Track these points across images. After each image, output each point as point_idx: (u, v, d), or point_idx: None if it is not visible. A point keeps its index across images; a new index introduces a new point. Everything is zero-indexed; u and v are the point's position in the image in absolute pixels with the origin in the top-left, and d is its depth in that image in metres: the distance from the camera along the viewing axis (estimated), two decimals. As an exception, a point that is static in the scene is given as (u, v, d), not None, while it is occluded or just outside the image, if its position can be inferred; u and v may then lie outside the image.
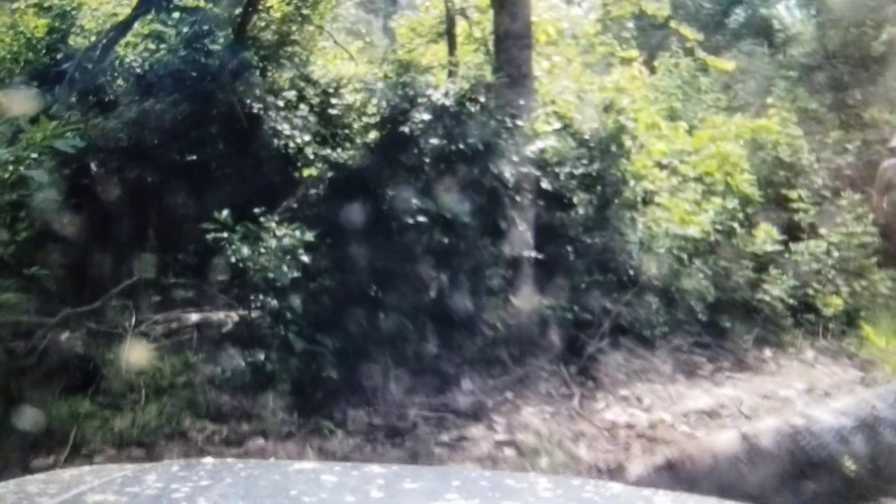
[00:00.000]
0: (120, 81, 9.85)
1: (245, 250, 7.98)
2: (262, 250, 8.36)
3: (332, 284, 8.71)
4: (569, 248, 9.78)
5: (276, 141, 9.52)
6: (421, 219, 8.74)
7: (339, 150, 9.72)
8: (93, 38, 10.30)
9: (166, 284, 8.86)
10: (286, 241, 8.43)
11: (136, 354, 7.39)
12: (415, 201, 8.85)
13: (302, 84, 10.02)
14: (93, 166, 9.10)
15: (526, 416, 8.08)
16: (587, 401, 8.45)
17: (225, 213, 8.11)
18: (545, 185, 9.56)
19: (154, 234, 9.10)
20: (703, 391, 9.06)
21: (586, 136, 10.28)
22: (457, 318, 8.80)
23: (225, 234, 8.03)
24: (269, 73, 10.19)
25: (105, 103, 9.58)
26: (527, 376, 8.90)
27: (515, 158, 9.04)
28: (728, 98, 17.17)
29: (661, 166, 11.41)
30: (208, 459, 3.12)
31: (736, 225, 11.12)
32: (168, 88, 9.46)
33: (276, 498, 2.18)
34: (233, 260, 8.20)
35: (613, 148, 10.20)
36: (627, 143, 10.29)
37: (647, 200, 10.80)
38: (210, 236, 8.02)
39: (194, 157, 9.24)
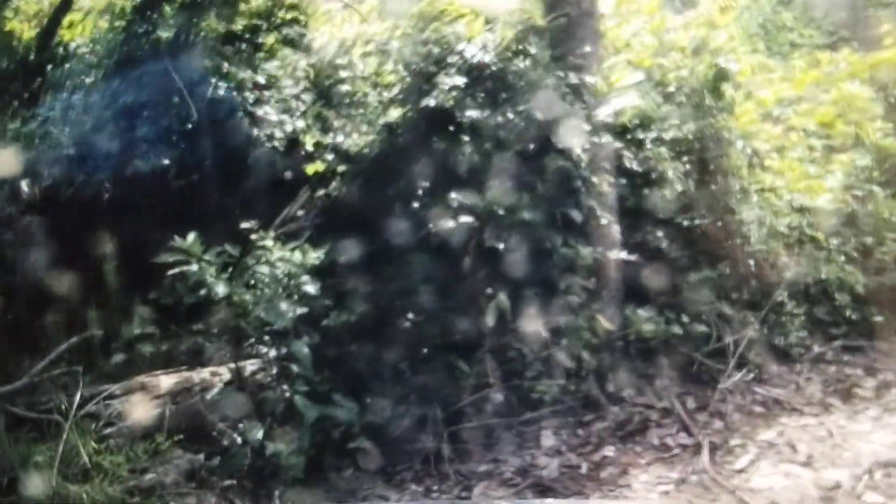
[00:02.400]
0: (59, 71, 7.70)
1: (221, 287, 5.82)
2: (253, 283, 6.21)
3: (350, 319, 6.52)
4: (662, 238, 7.44)
5: (258, 133, 7.31)
6: (465, 219, 6.52)
7: (352, 136, 7.48)
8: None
9: (130, 337, 6.73)
10: (282, 266, 6.26)
11: (75, 455, 5.27)
12: (455, 196, 6.63)
13: (292, 54, 7.78)
14: (23, 186, 6.99)
15: (639, 486, 5.81)
16: (721, 454, 6.13)
17: (191, 236, 5.95)
18: (628, 158, 7.21)
19: (112, 271, 6.96)
20: (872, 422, 6.70)
21: (673, 89, 7.90)
22: (526, 349, 6.54)
23: (194, 267, 5.88)
24: (257, 45, 7.94)
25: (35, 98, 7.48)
26: (629, 421, 6.64)
27: (586, 126, 6.74)
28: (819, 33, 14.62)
29: (766, 119, 9.01)
30: None
31: (875, 188, 8.65)
32: (114, 74, 7.30)
33: None
34: (214, 298, 6.06)
35: (710, 100, 7.81)
36: (728, 92, 7.88)
37: (754, 164, 8.38)
38: (174, 271, 5.89)
39: (156, 165, 7.07)
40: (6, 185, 7.03)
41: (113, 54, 7.43)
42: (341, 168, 7.47)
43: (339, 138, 7.61)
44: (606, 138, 6.88)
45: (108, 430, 5.80)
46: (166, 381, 6.34)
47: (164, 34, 7.25)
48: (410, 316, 6.68)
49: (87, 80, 7.89)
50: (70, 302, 6.81)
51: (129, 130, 7.31)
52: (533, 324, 6.50)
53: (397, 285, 6.74)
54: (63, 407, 5.73)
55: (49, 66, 8.19)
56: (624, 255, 6.92)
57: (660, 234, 7.39)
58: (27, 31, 8.22)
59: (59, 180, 7.16)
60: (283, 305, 6.22)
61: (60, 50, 8.17)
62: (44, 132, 7.17)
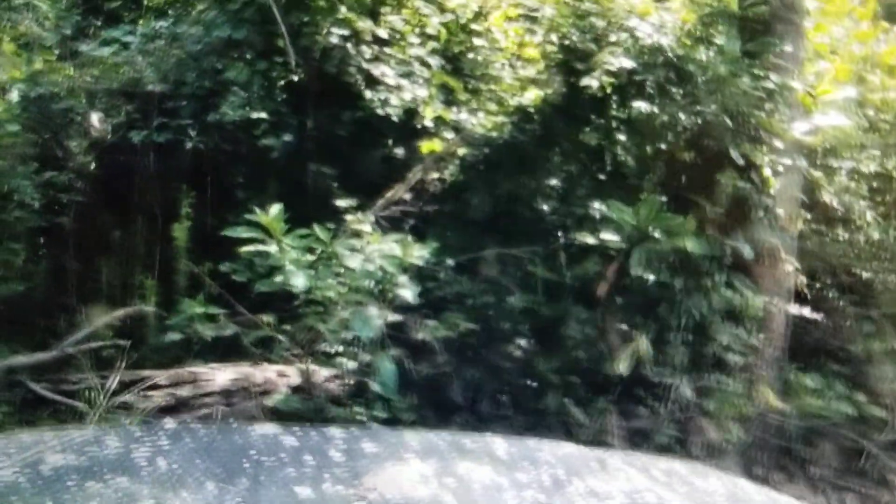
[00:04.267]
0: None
1: (300, 279, 4.80)
2: (340, 275, 5.18)
3: (450, 335, 5.44)
4: (844, 292, 6.15)
5: (371, 96, 6.24)
6: (608, 237, 5.36)
7: (478, 114, 6.39)
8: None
9: (190, 315, 5.77)
10: (377, 261, 5.21)
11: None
12: (598, 206, 5.48)
13: (420, 7, 6.68)
14: (93, 120, 6.11)
15: None
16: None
17: (273, 209, 4.96)
18: (818, 188, 5.92)
19: (181, 233, 6.02)
20: None
21: (875, 113, 6.56)
22: (662, 408, 5.37)
23: (270, 248, 4.88)
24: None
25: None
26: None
27: (779, 144, 5.49)
28: None
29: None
30: (168, 421, 3.51)
31: None
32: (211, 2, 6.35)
33: (235, 459, 2.27)
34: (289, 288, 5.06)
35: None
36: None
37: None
38: (245, 250, 4.90)
39: (245, 117, 6.07)
40: (73, 114, 6.15)
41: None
42: (462, 151, 6.40)
43: (464, 115, 6.53)
44: (800, 161, 5.62)
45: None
46: (222, 375, 5.39)
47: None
48: (522, 342, 5.59)
49: (182, 8, 7.01)
50: (128, 263, 5.93)
51: (220, 72, 6.36)
52: (676, 378, 5.32)
53: (512, 303, 5.65)
54: (92, 393, 4.81)
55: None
56: (799, 308, 5.66)
57: (842, 286, 6.09)
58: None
59: (135, 118, 6.24)
60: (372, 310, 5.17)
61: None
62: (124, 60, 6.27)
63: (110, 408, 4.78)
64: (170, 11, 6.78)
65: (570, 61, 5.93)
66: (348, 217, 5.84)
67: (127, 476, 2.18)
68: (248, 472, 2.25)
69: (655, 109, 5.48)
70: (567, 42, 5.99)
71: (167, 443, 2.43)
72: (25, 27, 7.21)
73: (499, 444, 2.72)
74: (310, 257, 5.25)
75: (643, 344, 5.21)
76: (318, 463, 2.28)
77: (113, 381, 4.98)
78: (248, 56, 6.28)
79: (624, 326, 5.47)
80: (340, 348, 5.39)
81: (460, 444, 2.62)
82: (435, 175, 6.35)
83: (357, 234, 5.68)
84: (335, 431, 2.64)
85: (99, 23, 6.92)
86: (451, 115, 6.48)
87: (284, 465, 2.29)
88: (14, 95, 6.55)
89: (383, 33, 6.47)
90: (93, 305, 5.76)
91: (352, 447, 2.46)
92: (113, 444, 2.40)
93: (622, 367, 5.20)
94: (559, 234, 5.96)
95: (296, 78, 6.31)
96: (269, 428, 3.01)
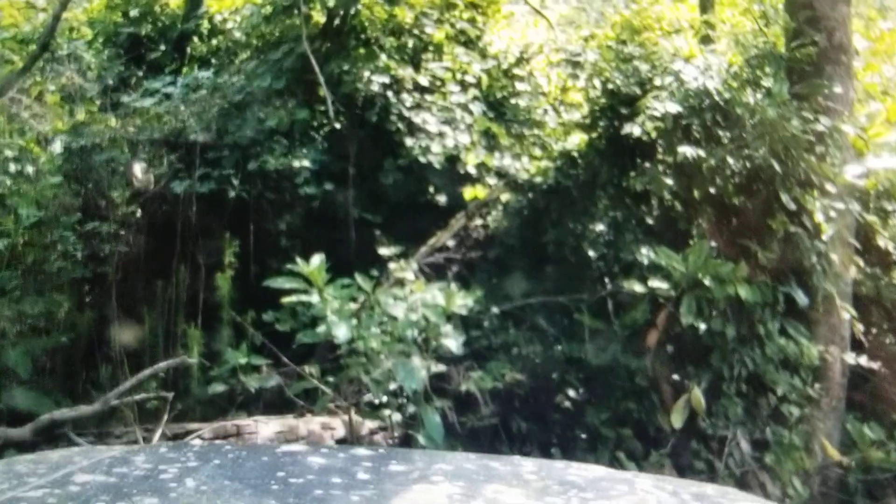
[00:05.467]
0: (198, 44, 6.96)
1: (343, 330, 4.83)
2: (381, 324, 5.21)
3: (496, 386, 5.43)
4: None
5: (413, 144, 6.30)
6: (657, 284, 5.34)
7: (521, 160, 6.43)
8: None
9: (234, 365, 5.80)
10: (421, 310, 5.23)
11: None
12: (646, 253, 5.47)
13: (463, 56, 6.76)
14: (136, 170, 6.22)
15: None
16: None
17: (315, 260, 5.00)
18: (873, 233, 5.86)
19: (225, 282, 6.08)
20: None
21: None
22: (719, 461, 5.29)
23: (312, 299, 4.93)
24: (423, 40, 6.97)
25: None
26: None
27: (831, 187, 5.45)
28: None
29: None
30: (196, 441, 3.71)
31: None
32: (255, 53, 6.48)
33: (263, 479, 2.26)
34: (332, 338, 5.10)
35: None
36: None
37: None
38: (287, 300, 4.95)
39: (287, 165, 6.14)
40: (115, 165, 6.27)
41: (257, 31, 6.61)
42: (505, 197, 6.43)
43: (507, 161, 6.57)
44: (853, 205, 5.57)
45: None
46: (267, 428, 5.37)
47: (317, 16, 6.36)
48: (571, 393, 5.56)
49: (225, 58, 7.17)
50: (171, 312, 5.99)
51: (262, 121, 6.47)
52: (731, 430, 5.25)
53: (559, 352, 5.62)
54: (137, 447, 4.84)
55: (189, 38, 7.55)
56: (861, 359, 5.56)
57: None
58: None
59: (177, 168, 6.35)
60: (416, 361, 5.17)
61: (205, 22, 7.50)
62: (167, 110, 6.39)
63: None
64: (213, 60, 6.93)
65: (614, 106, 5.96)
66: (391, 265, 5.88)
67: (156, 496, 2.20)
68: (275, 493, 2.25)
69: (702, 154, 5.47)
70: (611, 86, 6.03)
71: (195, 462, 2.45)
72: (67, 78, 7.40)
73: (527, 466, 2.71)
74: (352, 306, 5.29)
75: (697, 395, 5.15)
76: (345, 482, 2.26)
77: (157, 435, 5.03)
78: (290, 105, 6.38)
79: (675, 377, 5.42)
80: (385, 399, 5.40)
81: (489, 467, 2.60)
82: (478, 221, 6.38)
83: (400, 283, 5.72)
84: (363, 452, 2.68)
85: (141, 73, 7.08)
86: (494, 160, 6.52)
87: (312, 485, 2.27)
88: (57, 146, 6.71)
89: (424, 81, 6.55)
90: (136, 356, 5.83)
91: (379, 468, 2.46)
92: (141, 463, 2.43)
93: (677, 419, 5.13)
94: (606, 281, 5.94)
95: (337, 126, 6.41)
96: (295, 447, 3.06)
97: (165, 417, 5.17)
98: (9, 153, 6.85)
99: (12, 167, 6.78)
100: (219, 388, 5.65)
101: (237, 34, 7.25)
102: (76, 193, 6.32)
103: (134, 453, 2.58)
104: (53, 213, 6.24)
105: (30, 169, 6.64)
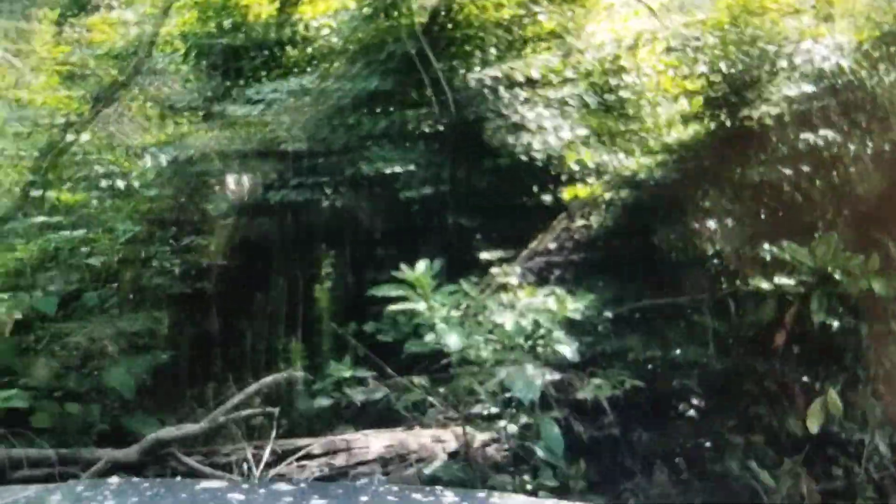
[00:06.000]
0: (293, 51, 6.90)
1: (453, 338, 4.67)
2: (492, 333, 5.03)
3: (615, 393, 5.19)
4: None
5: (514, 142, 6.12)
6: (784, 280, 5.05)
7: (625, 155, 6.22)
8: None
9: (338, 379, 5.68)
10: (531, 315, 5.03)
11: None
12: (767, 248, 5.19)
13: (562, 48, 6.56)
14: (229, 182, 6.17)
15: None
16: None
17: (420, 266, 4.85)
18: None
19: (324, 294, 5.99)
20: None
21: None
22: (858, 466, 4.99)
23: (419, 306, 4.78)
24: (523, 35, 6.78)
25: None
26: None
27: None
28: None
29: None
30: (114, 479, 3.70)
31: None
32: (353, 58, 6.37)
33: None
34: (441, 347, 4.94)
35: None
36: None
37: None
38: (391, 309, 4.81)
39: (384, 171, 6.03)
40: (210, 177, 6.22)
41: (354, 34, 6.50)
42: (609, 195, 6.20)
43: (610, 157, 6.35)
44: None
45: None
46: (377, 442, 5.24)
47: (416, 16, 6.22)
48: (694, 399, 5.31)
49: (321, 64, 7.09)
50: (271, 326, 5.91)
51: (358, 126, 6.35)
52: (868, 434, 4.95)
53: (680, 357, 5.38)
54: (245, 464, 4.75)
55: (283, 47, 7.49)
56: None
57: None
58: (266, 5, 7.54)
59: (272, 178, 6.27)
60: (530, 369, 4.98)
61: (300, 27, 7.43)
62: (262, 119, 6.32)
63: (265, 480, 4.71)
64: (308, 68, 6.87)
65: (732, 92, 5.69)
66: (493, 270, 5.71)
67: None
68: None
69: (834, 137, 5.18)
70: (732, 70, 5.75)
71: (112, 500, 2.46)
72: (160, 91, 7.41)
73: (448, 497, 2.76)
74: (457, 314, 5.14)
75: (833, 397, 4.86)
76: None
77: (266, 452, 4.93)
78: (390, 108, 6.27)
79: (806, 378, 5.15)
80: (496, 410, 5.23)
81: (410, 499, 2.63)
82: (581, 222, 6.16)
83: (504, 288, 5.55)
84: (284, 487, 2.77)
85: (241, 82, 7.04)
86: (597, 157, 6.31)
87: None
88: (150, 160, 6.70)
89: (529, 75, 6.36)
90: (239, 372, 5.76)
91: (300, 503, 2.51)
92: (57, 502, 2.47)
93: (813, 423, 4.84)
94: (722, 280, 5.69)
95: (436, 127, 6.27)
96: (215, 484, 3.07)
97: (273, 434, 5.08)
98: (100, 168, 6.88)
99: (104, 182, 6.80)
100: (324, 401, 5.54)
101: (333, 39, 7.16)
102: (171, 207, 6.28)
103: (50, 492, 2.59)
104: (148, 228, 6.23)
105: (121, 184, 6.66)
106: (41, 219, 6.42)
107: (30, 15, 9.30)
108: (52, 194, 6.61)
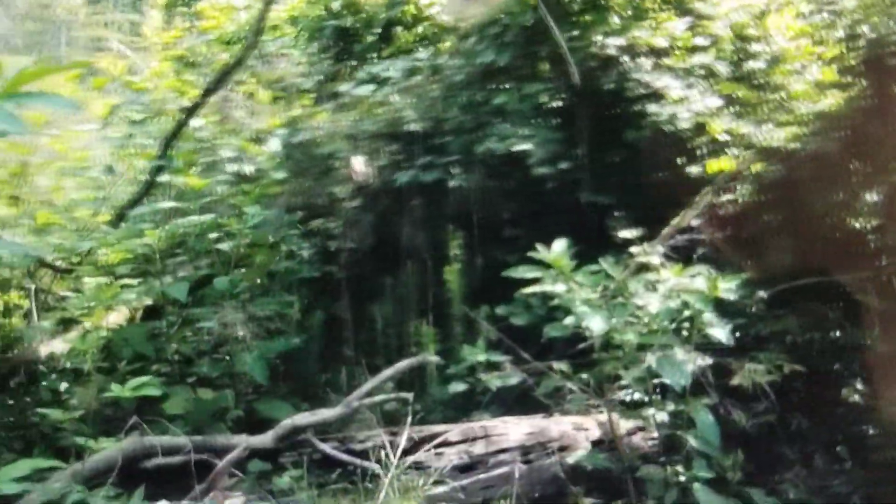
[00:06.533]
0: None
1: (596, 321, 4.47)
2: (637, 315, 4.81)
3: (774, 379, 4.89)
4: None
5: (653, 112, 5.84)
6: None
7: (771, 125, 5.87)
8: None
9: (472, 363, 5.53)
10: (678, 297, 4.78)
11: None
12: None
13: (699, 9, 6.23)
14: (354, 164, 6.08)
15: None
16: None
17: (557, 245, 4.66)
18: None
19: (454, 276, 5.83)
20: None
21: None
22: None
23: (558, 288, 4.59)
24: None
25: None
26: None
27: None
28: None
29: None
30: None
31: None
32: (471, 30, 6.18)
33: None
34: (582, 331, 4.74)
35: None
36: None
37: None
38: (525, 291, 4.64)
39: (514, 147, 5.83)
40: (335, 159, 6.15)
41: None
42: (756, 167, 5.87)
43: (755, 127, 6.00)
44: None
45: (436, 491, 4.64)
46: (516, 429, 5.07)
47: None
48: (858, 385, 4.97)
49: (434, 42, 6.95)
50: (401, 310, 5.82)
51: (483, 103, 6.18)
52: None
53: (841, 339, 5.04)
54: (382, 451, 4.64)
55: (394, 27, 7.40)
56: None
57: None
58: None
59: (398, 159, 6.16)
60: (680, 353, 4.72)
61: (411, 7, 7.32)
62: (382, 99, 6.22)
63: (403, 468, 4.61)
64: (420, 48, 6.76)
65: (877, 58, 5.30)
66: (633, 249, 5.47)
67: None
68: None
69: None
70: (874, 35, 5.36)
71: None
72: (277, 75, 7.41)
73: None
74: (595, 295, 4.92)
75: None
76: None
77: (403, 438, 4.82)
78: (514, 82, 6.08)
79: None
80: (642, 396, 5.00)
81: None
82: (727, 196, 5.85)
83: (645, 268, 5.30)
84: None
85: (354, 62, 6.98)
86: (742, 127, 5.98)
87: None
88: (274, 144, 6.69)
89: (662, 41, 6.07)
90: (371, 356, 5.68)
91: None
92: None
93: None
94: (882, 256, 5.31)
95: (565, 101, 6.05)
96: None
97: (409, 420, 4.97)
98: (226, 154, 6.91)
99: (230, 167, 6.83)
100: (458, 387, 5.42)
101: (444, 17, 7.03)
102: (297, 191, 6.25)
103: None
104: (276, 212, 6.20)
105: (248, 168, 6.67)
106: (169, 204, 6.49)
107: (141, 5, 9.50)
108: (178, 179, 6.67)
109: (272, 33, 8.23)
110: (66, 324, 5.76)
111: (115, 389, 4.84)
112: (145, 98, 7.38)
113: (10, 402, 5.30)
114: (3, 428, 5.09)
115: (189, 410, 5.33)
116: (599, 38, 5.94)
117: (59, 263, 6.16)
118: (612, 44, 5.89)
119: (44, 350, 5.41)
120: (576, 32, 6.01)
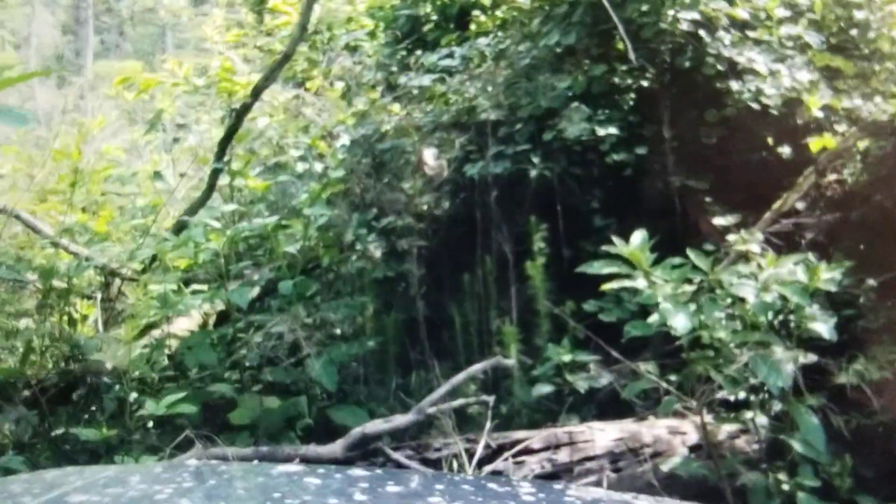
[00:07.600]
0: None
1: (680, 319, 4.23)
2: (726, 311, 4.55)
3: (886, 376, 4.56)
4: None
5: (740, 88, 5.52)
6: None
7: (875, 99, 5.51)
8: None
9: (556, 364, 5.30)
10: (776, 288, 4.50)
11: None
12: None
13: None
14: (426, 156, 5.91)
15: None
16: None
17: (635, 238, 4.43)
18: None
19: (535, 271, 5.61)
20: None
21: None
22: None
23: (637, 284, 4.37)
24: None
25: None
26: None
27: None
28: None
29: None
30: (192, 461, 3.92)
31: None
32: (538, 9, 5.97)
33: (258, 500, 2.37)
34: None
35: None
36: None
37: None
38: (608, 287, 4.40)
39: (590, 132, 5.57)
40: (404, 153, 6.00)
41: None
42: (863, 144, 5.49)
43: (858, 101, 5.64)
44: None
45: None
46: (603, 435, 4.82)
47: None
48: None
49: (511, 28, 6.76)
50: (480, 308, 5.64)
51: (551, 88, 5.95)
52: None
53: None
54: (459, 460, 4.47)
55: (470, 12, 7.24)
56: None
57: None
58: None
59: (469, 150, 5.98)
60: (779, 351, 4.43)
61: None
62: (448, 88, 6.05)
63: (478, 478, 4.42)
64: (499, 33, 6.58)
65: None
66: (730, 237, 5.19)
67: (149, 516, 2.25)
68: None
69: None
70: None
71: (190, 483, 2.46)
72: (345, 69, 7.32)
73: (525, 488, 2.66)
74: (688, 290, 4.65)
75: None
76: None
77: (480, 446, 4.64)
78: (584, 64, 5.84)
79: None
80: (742, 398, 4.71)
81: (486, 488, 2.57)
82: (832, 177, 5.49)
83: (744, 258, 5.02)
84: (359, 473, 2.64)
85: (421, 53, 6.84)
86: (842, 102, 5.62)
87: None
88: (343, 140, 6.58)
89: (744, 13, 5.75)
90: (449, 358, 5.52)
91: (376, 489, 2.45)
92: (135, 483, 2.46)
93: None
94: None
95: (644, 82, 5.79)
96: (292, 468, 2.83)
97: (488, 425, 4.78)
98: (295, 153, 6.84)
99: (300, 167, 6.76)
100: (544, 389, 5.21)
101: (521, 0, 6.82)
102: (366, 188, 6.12)
103: (129, 473, 2.67)
104: (346, 210, 6.08)
105: (318, 166, 6.58)
106: (231, 207, 6.44)
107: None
108: (239, 182, 6.64)
109: (347, 26, 8.16)
110: (135, 332, 5.75)
111: (150, 407, 4.81)
112: (208, 100, 7.39)
113: (69, 414, 5.33)
114: (58, 441, 5.10)
115: (257, 419, 5.26)
116: (672, 11, 5.64)
117: (123, 271, 6.18)
118: (687, 17, 5.58)
119: (109, 361, 5.39)
120: (645, 7, 5.72)
